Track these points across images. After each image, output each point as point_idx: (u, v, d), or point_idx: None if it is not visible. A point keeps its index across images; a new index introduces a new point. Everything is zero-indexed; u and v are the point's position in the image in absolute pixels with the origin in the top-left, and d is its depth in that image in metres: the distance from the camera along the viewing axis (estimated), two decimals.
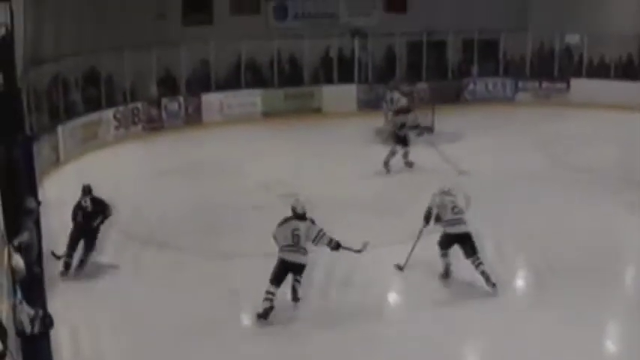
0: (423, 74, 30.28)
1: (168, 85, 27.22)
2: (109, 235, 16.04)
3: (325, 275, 14.62)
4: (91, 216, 15.12)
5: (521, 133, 25.63)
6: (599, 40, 29.80)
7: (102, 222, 15.26)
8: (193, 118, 27.00)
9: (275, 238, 13.41)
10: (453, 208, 14.34)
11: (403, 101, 23.20)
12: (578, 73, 30.99)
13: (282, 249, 13.31)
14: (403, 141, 21.44)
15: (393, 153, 21.38)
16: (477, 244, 14.26)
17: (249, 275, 14.54)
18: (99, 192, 15.61)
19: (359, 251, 13.70)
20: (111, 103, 25.20)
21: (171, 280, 14.62)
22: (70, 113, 23.66)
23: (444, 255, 14.49)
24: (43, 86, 22.75)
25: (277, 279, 13.23)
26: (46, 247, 13.56)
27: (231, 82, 28.22)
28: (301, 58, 29.46)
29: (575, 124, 26.45)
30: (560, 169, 21.62)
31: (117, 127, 24.88)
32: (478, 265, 14.06)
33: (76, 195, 15.61)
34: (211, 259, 15.64)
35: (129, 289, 14.25)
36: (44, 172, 20.01)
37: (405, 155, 21.56)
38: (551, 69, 31.43)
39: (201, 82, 27.76)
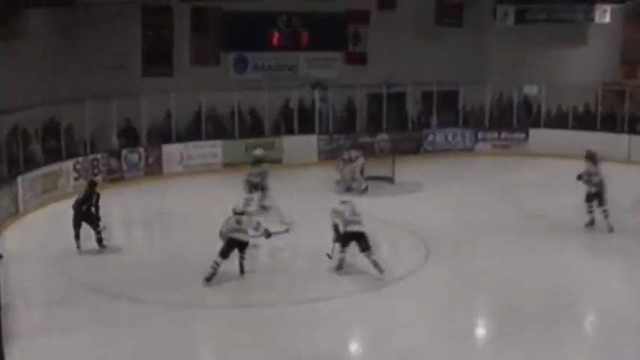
0: (383, 125, 30.50)
1: (129, 136, 27.11)
2: (70, 286, 15.96)
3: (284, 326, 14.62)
4: (80, 203, 18.88)
5: (480, 182, 25.85)
6: (557, 91, 30.24)
7: (89, 207, 18.81)
8: (154, 169, 26.90)
9: (221, 232, 16.87)
10: (351, 212, 17.20)
11: (258, 152, 23.89)
12: (536, 124, 31.40)
13: (230, 231, 16.76)
14: (257, 187, 22.52)
15: (247, 200, 21.79)
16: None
17: (212, 326, 14.51)
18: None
19: (286, 231, 18.44)
20: (71, 154, 24.98)
21: (134, 331, 14.45)
22: (30, 164, 23.45)
23: (342, 251, 17.09)
24: (3, 137, 22.58)
25: (224, 254, 16.59)
26: (3, 299, 13.40)
27: (191, 133, 28.21)
28: (262, 110, 29.47)
29: (534, 173, 26.73)
30: (520, 218, 21.76)
31: (77, 179, 24.60)
32: (369, 255, 16.79)
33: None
34: (174, 310, 15.46)
35: (91, 341, 14.04)
36: (3, 223, 19.87)
37: (262, 199, 22.54)
38: (510, 119, 31.77)
39: (162, 133, 27.72)
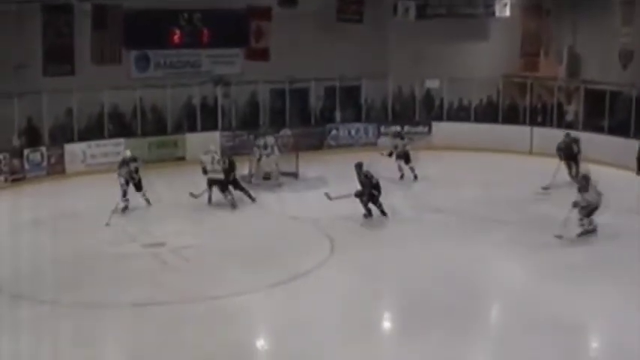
0: (286, 121, 30.58)
1: (31, 135, 26.71)
2: None
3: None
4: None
5: (384, 176, 25.81)
6: (459, 84, 30.68)
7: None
8: (56, 168, 26.56)
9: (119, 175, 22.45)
10: (212, 162, 22.64)
11: (127, 152, 23.92)
12: (439, 117, 31.78)
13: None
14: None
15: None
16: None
17: (114, 326, 14.46)
18: None
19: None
20: None
21: (35, 333, 14.24)
22: None
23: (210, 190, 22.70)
24: None
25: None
26: None
27: (94, 132, 27.92)
28: (164, 107, 29.33)
29: (438, 166, 26.90)
30: (424, 210, 21.95)
31: None
32: (226, 196, 22.48)
33: None
34: (75, 310, 15.32)
35: None
36: None
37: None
38: (413, 114, 32.10)
39: (64, 133, 27.40)
